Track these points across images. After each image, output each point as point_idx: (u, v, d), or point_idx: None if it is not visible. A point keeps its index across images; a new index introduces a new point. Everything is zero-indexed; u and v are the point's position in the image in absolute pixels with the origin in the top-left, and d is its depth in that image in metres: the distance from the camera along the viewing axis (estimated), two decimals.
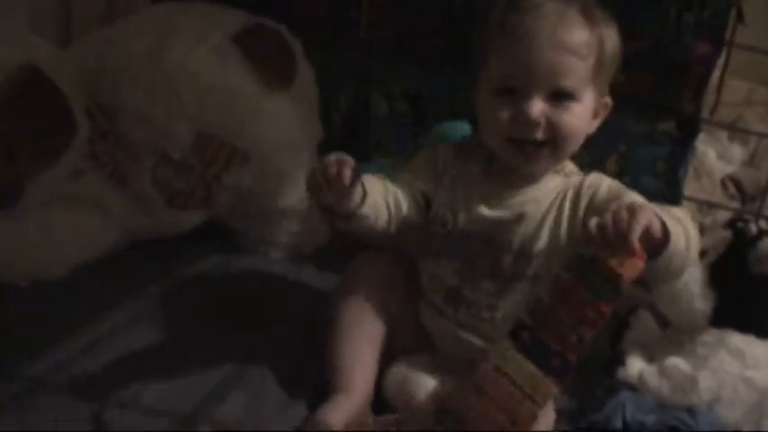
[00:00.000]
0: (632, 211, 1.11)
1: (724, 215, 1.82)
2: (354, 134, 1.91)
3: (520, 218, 1.31)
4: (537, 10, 1.25)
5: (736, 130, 2.27)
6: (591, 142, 1.56)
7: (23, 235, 1.58)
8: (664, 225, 1.13)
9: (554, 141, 1.28)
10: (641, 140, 1.70)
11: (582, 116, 1.28)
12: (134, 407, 1.31)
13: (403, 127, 1.88)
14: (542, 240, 1.31)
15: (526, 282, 1.32)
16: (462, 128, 1.56)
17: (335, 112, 1.90)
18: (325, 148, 1.78)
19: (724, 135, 2.30)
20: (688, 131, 1.69)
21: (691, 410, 1.33)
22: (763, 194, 1.78)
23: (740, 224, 1.47)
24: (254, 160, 1.67)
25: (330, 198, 1.20)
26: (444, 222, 1.35)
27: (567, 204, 1.31)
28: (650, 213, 1.12)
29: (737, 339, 1.39)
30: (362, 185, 1.24)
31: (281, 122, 1.66)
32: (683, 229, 1.19)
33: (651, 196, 1.65)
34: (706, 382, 1.35)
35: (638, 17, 1.64)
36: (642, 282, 1.34)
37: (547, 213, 1.31)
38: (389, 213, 1.32)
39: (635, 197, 1.27)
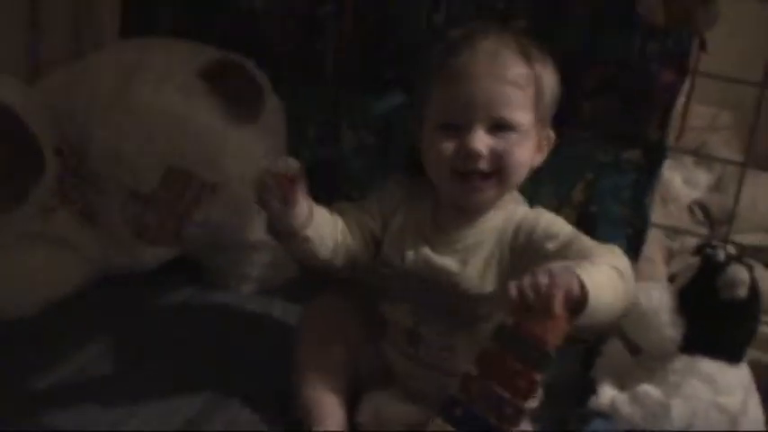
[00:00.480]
0: (551, 276, 1.08)
1: (692, 241, 1.84)
2: (323, 166, 1.91)
3: (464, 263, 1.32)
4: (473, 48, 1.28)
5: (701, 157, 2.29)
6: (556, 170, 1.58)
7: None
8: (582, 284, 1.10)
9: (498, 173, 1.29)
10: (607, 168, 1.71)
11: (524, 146, 1.30)
12: None
13: (371, 158, 1.88)
14: (489, 281, 1.32)
15: (480, 321, 1.33)
16: None
17: (304, 144, 1.90)
18: None
19: (690, 160, 2.32)
20: (654, 159, 1.70)
21: None
22: (730, 220, 1.80)
23: (708, 250, 1.48)
24: (224, 194, 1.67)
25: (275, 203, 1.23)
26: (391, 264, 1.37)
27: (508, 241, 1.32)
28: (568, 276, 1.09)
29: (708, 365, 1.39)
30: (310, 207, 1.27)
31: (250, 155, 1.66)
32: (608, 277, 1.17)
33: (618, 224, 1.69)
34: (678, 408, 1.36)
35: (602, 45, 1.66)
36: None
37: (491, 255, 1.32)
38: (335, 243, 1.34)
39: (567, 233, 1.28)
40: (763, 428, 1.42)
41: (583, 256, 1.20)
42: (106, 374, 1.46)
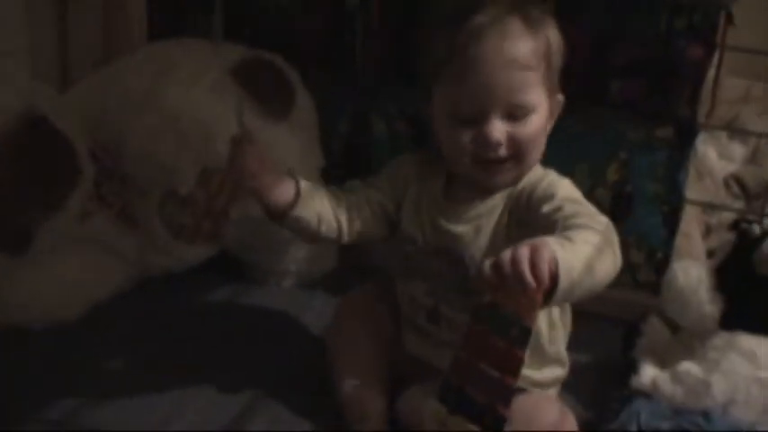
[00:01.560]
0: (527, 250, 1.05)
1: (729, 215, 1.83)
2: (356, 158, 1.92)
3: (477, 230, 1.32)
4: (479, 32, 1.25)
5: (733, 131, 2.27)
6: (589, 151, 1.58)
7: (36, 279, 1.59)
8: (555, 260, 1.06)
9: (516, 155, 1.29)
10: (640, 147, 1.70)
11: (540, 125, 1.30)
12: None
13: (404, 148, 1.89)
14: (501, 248, 1.31)
15: None
16: None
17: (336, 138, 1.91)
18: (326, 174, 1.80)
19: (723, 134, 2.30)
20: (686, 135, 1.69)
21: (706, 414, 1.34)
22: (765, 193, 1.79)
23: (744, 225, 1.48)
24: None
25: (254, 183, 1.32)
26: (414, 240, 1.37)
27: (516, 205, 1.32)
28: (544, 251, 1.05)
29: (747, 341, 1.39)
30: (297, 188, 1.33)
31: (282, 152, 1.67)
32: (584, 254, 1.11)
33: (653, 202, 1.69)
34: (719, 385, 1.36)
35: (629, 25, 1.66)
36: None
37: (500, 223, 1.32)
38: (338, 221, 1.37)
39: (562, 196, 1.24)
40: None
41: (567, 224, 1.17)
42: (150, 375, 1.48)
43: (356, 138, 1.91)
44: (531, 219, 1.27)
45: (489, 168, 1.30)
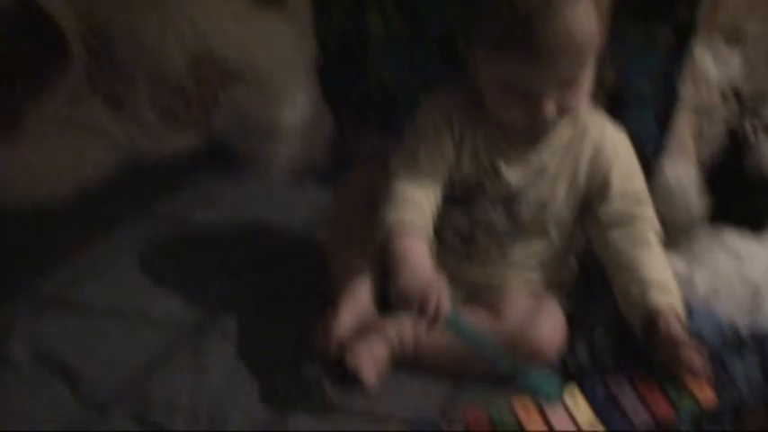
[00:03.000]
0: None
1: (722, 120, 1.82)
2: (351, 54, 1.90)
3: (541, 172, 1.32)
4: (548, 8, 1.16)
5: (734, 35, 2.25)
6: None
7: (25, 161, 1.60)
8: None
9: (564, 115, 1.27)
10: (637, 48, 1.68)
11: (588, 85, 1.26)
12: (143, 318, 1.36)
13: (400, 45, 1.87)
14: (560, 192, 1.33)
15: (537, 233, 1.35)
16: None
17: (331, 32, 1.88)
18: (322, 69, 1.79)
19: (722, 42, 2.28)
20: (684, 37, 1.68)
21: (686, 308, 1.35)
22: (760, 100, 1.78)
23: (736, 127, 1.48)
24: (249, 78, 1.67)
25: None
26: (473, 182, 1.34)
27: (585, 160, 1.33)
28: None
29: (732, 237, 1.40)
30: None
31: (275, 41, 1.66)
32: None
33: (648, 102, 1.68)
34: (702, 280, 1.37)
35: None
36: None
37: (563, 165, 1.32)
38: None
39: (618, 188, 1.32)
40: None
41: (618, 220, 1.30)
42: (135, 257, 1.50)
43: (351, 33, 1.89)
44: (592, 190, 1.32)
45: (536, 128, 1.29)
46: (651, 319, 1.22)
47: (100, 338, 1.31)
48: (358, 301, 1.34)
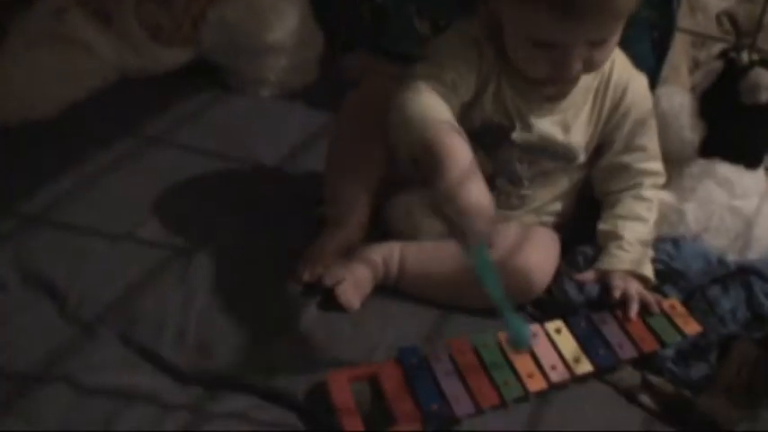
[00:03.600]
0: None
1: (718, 50, 1.80)
2: None
3: (567, 129, 1.31)
4: None
5: None
6: None
7: (10, 76, 1.57)
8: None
9: (591, 70, 1.25)
10: None
11: (616, 42, 1.24)
12: (130, 238, 1.35)
13: None
14: (584, 140, 1.33)
15: (563, 176, 1.36)
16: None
17: None
18: None
19: None
20: None
21: (675, 242, 1.35)
22: (757, 29, 1.75)
23: (732, 54, 1.46)
24: None
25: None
26: (499, 128, 1.31)
27: (607, 107, 1.33)
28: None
29: (725, 169, 1.39)
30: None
31: None
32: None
33: (645, 27, 1.65)
34: (693, 212, 1.36)
35: None
36: None
37: (589, 114, 1.32)
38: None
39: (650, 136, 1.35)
40: None
41: (619, 173, 1.35)
42: (122, 176, 1.48)
43: None
44: (603, 131, 1.34)
45: (560, 82, 1.27)
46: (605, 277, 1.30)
47: (86, 258, 1.30)
48: (347, 227, 1.34)
